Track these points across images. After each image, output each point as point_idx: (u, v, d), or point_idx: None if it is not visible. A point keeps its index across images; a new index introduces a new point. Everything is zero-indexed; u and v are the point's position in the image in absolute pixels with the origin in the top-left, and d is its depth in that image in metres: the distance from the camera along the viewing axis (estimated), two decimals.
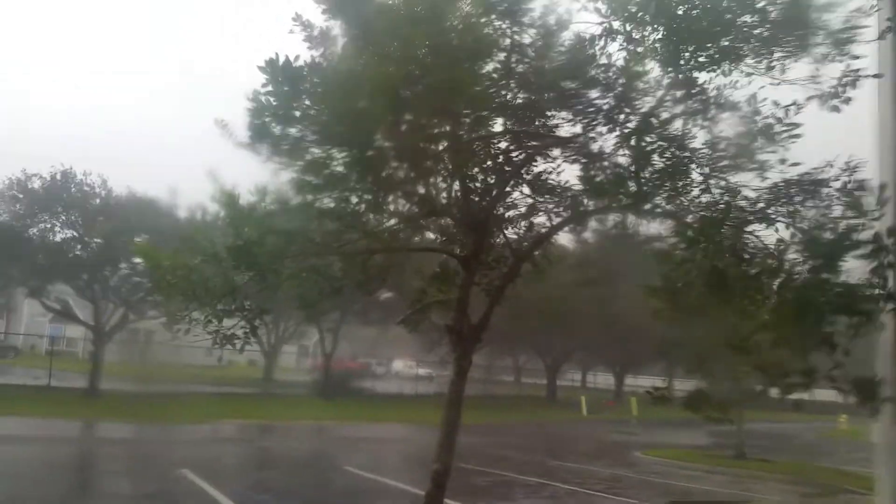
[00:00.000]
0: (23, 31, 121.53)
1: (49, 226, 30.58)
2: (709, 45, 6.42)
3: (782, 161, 6.70)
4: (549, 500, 15.07)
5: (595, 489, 16.79)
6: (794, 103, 6.47)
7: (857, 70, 6.43)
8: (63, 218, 30.40)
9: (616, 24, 6.70)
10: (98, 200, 30.75)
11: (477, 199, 8.11)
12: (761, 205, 6.95)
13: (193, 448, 20.38)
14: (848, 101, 6.55)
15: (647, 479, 19.44)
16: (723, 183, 7.10)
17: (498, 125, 7.62)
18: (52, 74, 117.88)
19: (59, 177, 29.86)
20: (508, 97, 7.27)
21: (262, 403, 32.81)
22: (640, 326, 28.23)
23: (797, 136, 6.62)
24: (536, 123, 7.49)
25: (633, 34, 6.63)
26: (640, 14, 6.54)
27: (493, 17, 6.77)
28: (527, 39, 6.99)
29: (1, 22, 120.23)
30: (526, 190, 8.40)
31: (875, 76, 6.61)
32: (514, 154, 7.96)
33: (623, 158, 7.41)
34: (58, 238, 30.71)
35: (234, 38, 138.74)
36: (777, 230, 6.95)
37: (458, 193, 8.04)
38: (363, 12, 6.82)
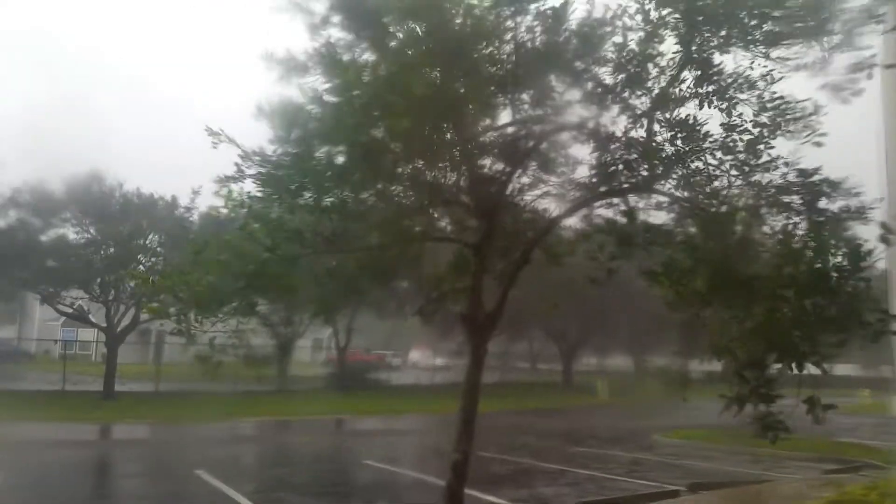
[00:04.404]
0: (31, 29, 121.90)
1: (70, 228, 30.58)
2: (725, 26, 6.31)
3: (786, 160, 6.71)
4: (569, 487, 14.97)
5: (615, 473, 16.70)
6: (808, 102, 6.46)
7: (871, 57, 6.35)
8: (85, 220, 30.36)
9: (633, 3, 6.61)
10: (114, 202, 30.72)
11: (486, 185, 8.00)
12: (772, 191, 6.89)
13: (209, 448, 20.37)
14: (859, 91, 6.47)
15: (666, 461, 19.34)
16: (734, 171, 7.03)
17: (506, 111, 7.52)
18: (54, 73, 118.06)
19: (83, 179, 29.92)
20: (514, 81, 7.15)
21: (278, 400, 32.79)
22: (655, 309, 28.02)
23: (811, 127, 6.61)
24: (543, 98, 7.35)
25: (650, 13, 6.51)
26: None
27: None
28: (530, 22, 6.87)
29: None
30: (535, 174, 8.31)
31: (889, 66, 6.56)
32: (521, 139, 7.84)
33: (634, 141, 7.31)
34: (74, 240, 30.63)
35: (236, 30, 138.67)
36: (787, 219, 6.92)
37: (467, 181, 7.94)
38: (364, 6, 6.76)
